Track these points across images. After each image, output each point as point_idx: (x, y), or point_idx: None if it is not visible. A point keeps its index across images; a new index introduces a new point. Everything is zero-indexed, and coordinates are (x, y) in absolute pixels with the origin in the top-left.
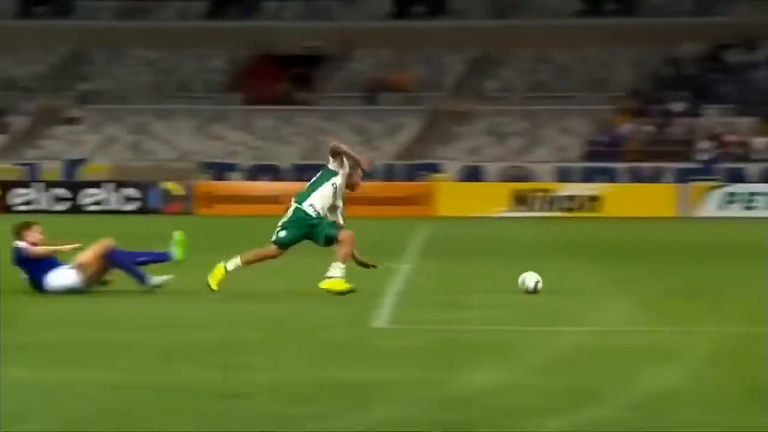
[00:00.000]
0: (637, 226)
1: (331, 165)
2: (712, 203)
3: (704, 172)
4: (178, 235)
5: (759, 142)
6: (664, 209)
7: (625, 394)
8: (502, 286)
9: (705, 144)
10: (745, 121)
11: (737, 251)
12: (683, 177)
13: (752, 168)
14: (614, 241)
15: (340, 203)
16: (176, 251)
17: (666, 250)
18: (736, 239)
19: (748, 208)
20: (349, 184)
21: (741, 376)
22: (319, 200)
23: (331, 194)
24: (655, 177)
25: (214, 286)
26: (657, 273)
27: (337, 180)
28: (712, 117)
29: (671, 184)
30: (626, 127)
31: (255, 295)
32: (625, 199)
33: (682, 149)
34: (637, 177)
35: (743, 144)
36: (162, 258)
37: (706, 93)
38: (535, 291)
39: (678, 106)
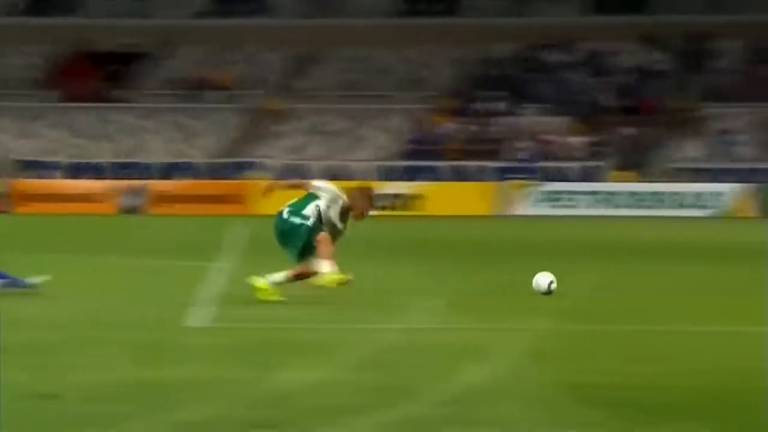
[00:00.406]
0: (457, 224)
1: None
2: (529, 202)
3: (522, 171)
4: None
5: (575, 141)
6: (482, 207)
7: (439, 391)
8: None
9: (522, 143)
10: (561, 121)
11: (553, 250)
12: (501, 176)
13: (566, 166)
14: (433, 239)
15: (339, 225)
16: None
17: (483, 248)
18: (553, 237)
19: (565, 206)
20: (356, 215)
21: (554, 373)
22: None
23: (315, 213)
24: (474, 175)
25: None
26: (474, 271)
27: (321, 203)
28: (529, 116)
29: (489, 183)
30: (445, 127)
31: (72, 295)
32: (445, 198)
33: (500, 148)
34: (457, 175)
35: (560, 143)
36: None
37: (523, 93)
38: (549, 292)
39: (496, 106)
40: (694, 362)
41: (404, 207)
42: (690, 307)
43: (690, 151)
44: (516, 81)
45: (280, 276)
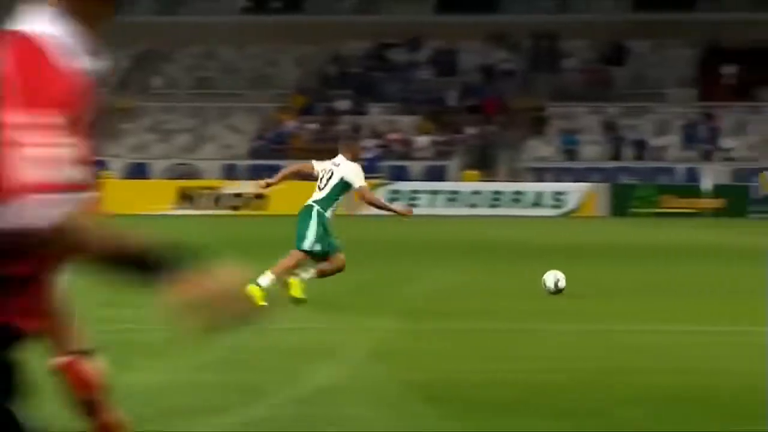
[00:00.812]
0: (294, 224)
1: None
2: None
3: (368, 169)
4: None
5: (421, 140)
6: None
7: (288, 391)
8: None
9: (369, 142)
10: (408, 120)
11: (400, 248)
12: None
13: (415, 166)
14: (281, 238)
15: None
16: None
17: None
18: (399, 237)
19: (412, 206)
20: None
21: (402, 372)
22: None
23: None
24: None
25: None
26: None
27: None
28: (376, 115)
29: None
30: (292, 125)
31: None
32: (291, 197)
33: None
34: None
35: (406, 142)
36: None
37: (370, 91)
38: (558, 291)
39: (343, 104)
40: (542, 359)
41: (251, 206)
42: (537, 305)
43: (537, 150)
44: (363, 79)
45: (308, 273)
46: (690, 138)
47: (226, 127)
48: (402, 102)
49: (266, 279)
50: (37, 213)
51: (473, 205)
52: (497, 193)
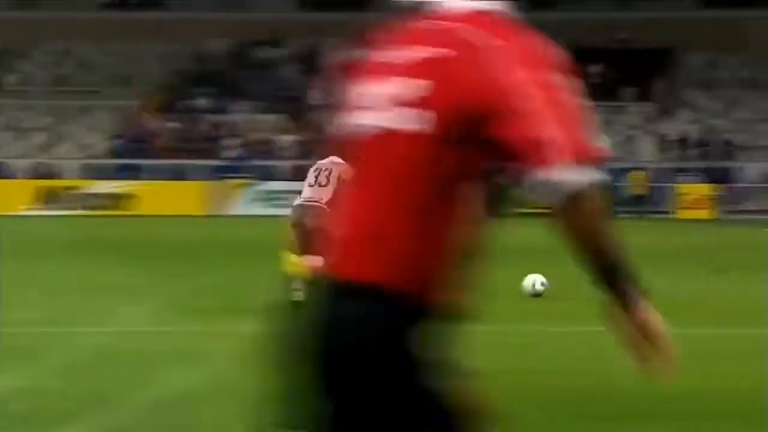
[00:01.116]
0: (168, 224)
1: None
2: (242, 201)
3: (233, 169)
4: None
5: (285, 139)
6: (195, 207)
7: (146, 397)
8: (47, 287)
9: (232, 141)
10: (271, 119)
11: (266, 250)
12: (213, 175)
13: (279, 166)
14: (145, 239)
15: None
16: None
17: (197, 249)
18: (266, 238)
19: (277, 206)
20: None
21: (263, 376)
22: None
23: None
24: (184, 174)
25: None
26: (187, 272)
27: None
28: (239, 114)
29: (201, 182)
30: (154, 124)
31: None
32: (156, 197)
33: (210, 146)
34: (167, 174)
35: (269, 141)
36: None
37: (233, 89)
38: (536, 293)
39: (205, 103)
40: None
41: (115, 206)
42: None
43: None
44: (227, 77)
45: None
46: None
47: (85, 126)
48: (265, 100)
49: None
50: (576, 176)
51: None
52: None
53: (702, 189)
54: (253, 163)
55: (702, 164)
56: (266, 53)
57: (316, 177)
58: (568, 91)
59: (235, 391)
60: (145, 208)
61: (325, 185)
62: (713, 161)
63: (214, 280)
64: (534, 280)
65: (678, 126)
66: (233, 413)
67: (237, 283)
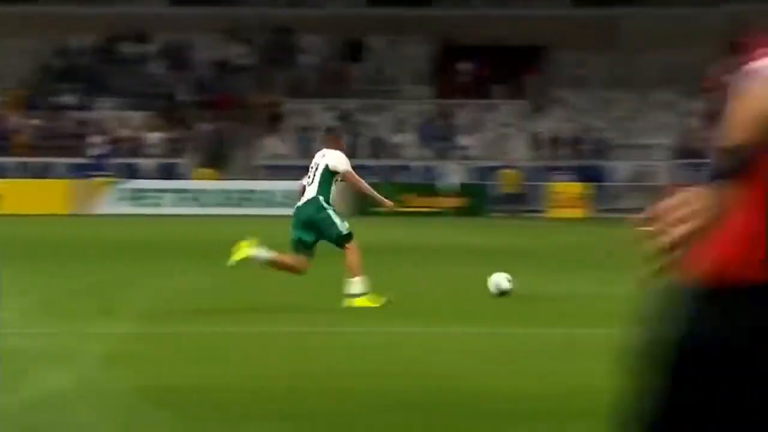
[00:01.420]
0: (32, 223)
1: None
2: (107, 200)
3: (97, 167)
4: None
5: (152, 137)
6: (58, 206)
7: (7, 398)
8: None
9: (96, 138)
10: (138, 115)
11: (132, 249)
12: (76, 172)
13: (146, 163)
14: (7, 239)
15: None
16: None
17: (61, 248)
18: (136, 237)
19: (148, 205)
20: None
21: (130, 377)
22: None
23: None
24: (46, 172)
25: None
26: (52, 272)
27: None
28: (104, 110)
29: (64, 180)
30: (15, 120)
31: None
32: (17, 196)
33: (73, 144)
34: (28, 172)
35: (136, 139)
36: None
37: (98, 86)
38: (502, 293)
39: (69, 99)
40: (279, 363)
41: None
42: (273, 305)
43: (273, 147)
44: (92, 73)
45: (268, 254)
46: (426, 136)
47: None
48: (132, 97)
49: (357, 286)
50: None
51: (214, 204)
52: (228, 191)
53: (575, 188)
54: (119, 161)
55: (575, 163)
56: (132, 48)
57: None
58: None
59: (103, 392)
60: (8, 207)
61: None
62: (586, 160)
63: (80, 281)
64: (498, 281)
65: (550, 124)
66: (104, 414)
67: (104, 284)
